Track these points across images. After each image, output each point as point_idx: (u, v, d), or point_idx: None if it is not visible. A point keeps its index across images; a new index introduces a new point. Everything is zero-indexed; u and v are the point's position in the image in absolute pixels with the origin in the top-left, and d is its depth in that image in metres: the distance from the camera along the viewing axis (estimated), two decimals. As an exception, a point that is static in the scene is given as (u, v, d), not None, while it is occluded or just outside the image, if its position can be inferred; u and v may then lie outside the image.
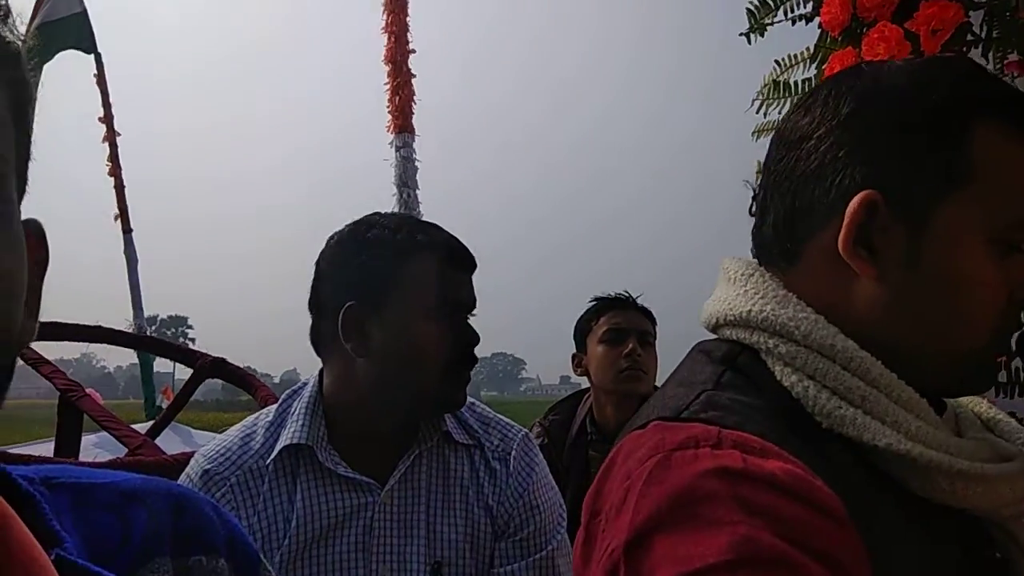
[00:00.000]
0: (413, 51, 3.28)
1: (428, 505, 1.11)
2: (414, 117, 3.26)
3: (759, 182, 0.66)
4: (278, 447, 1.10)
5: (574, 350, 2.07)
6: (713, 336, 0.66)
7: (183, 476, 1.12)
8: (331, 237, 1.16)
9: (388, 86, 3.28)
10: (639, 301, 2.04)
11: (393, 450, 1.11)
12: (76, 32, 4.38)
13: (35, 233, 0.42)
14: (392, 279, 1.08)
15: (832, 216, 0.58)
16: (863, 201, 0.55)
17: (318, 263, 1.15)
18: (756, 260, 0.66)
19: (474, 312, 1.16)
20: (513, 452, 1.17)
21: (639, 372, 1.91)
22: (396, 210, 3.26)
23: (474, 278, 1.17)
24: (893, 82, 0.58)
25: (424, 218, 3.31)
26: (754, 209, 0.66)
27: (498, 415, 1.24)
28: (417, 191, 3.27)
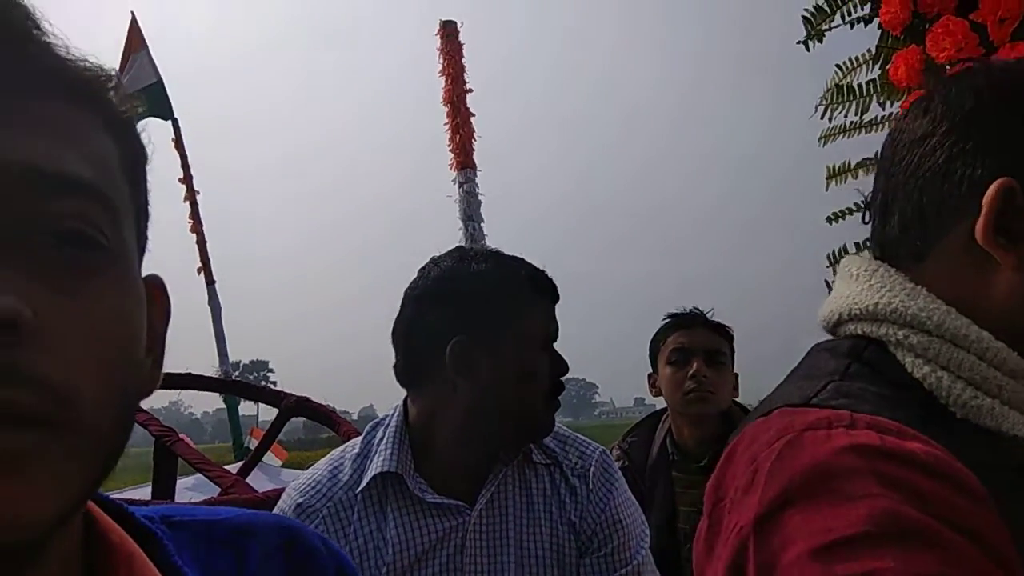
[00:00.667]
0: (470, 90, 3.37)
1: (515, 524, 1.12)
2: (475, 153, 3.35)
3: (876, 185, 0.66)
4: (367, 476, 1.12)
5: (649, 370, 2.04)
6: (830, 337, 0.65)
7: (276, 509, 1.16)
8: (425, 272, 1.18)
9: (448, 126, 3.38)
10: (713, 316, 1.97)
11: (477, 473, 1.13)
12: (154, 101, 4.66)
13: (158, 286, 0.44)
14: (505, 313, 1.12)
15: (965, 209, 0.57)
16: (1000, 189, 0.55)
17: (415, 298, 1.16)
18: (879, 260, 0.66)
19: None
20: (592, 469, 1.17)
21: (705, 393, 1.85)
22: (463, 244, 3.33)
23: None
24: (1012, 75, 0.59)
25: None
26: (869, 214, 0.67)
27: (575, 433, 1.24)
28: (482, 224, 3.33)
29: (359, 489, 1.12)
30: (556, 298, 1.19)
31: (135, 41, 4.82)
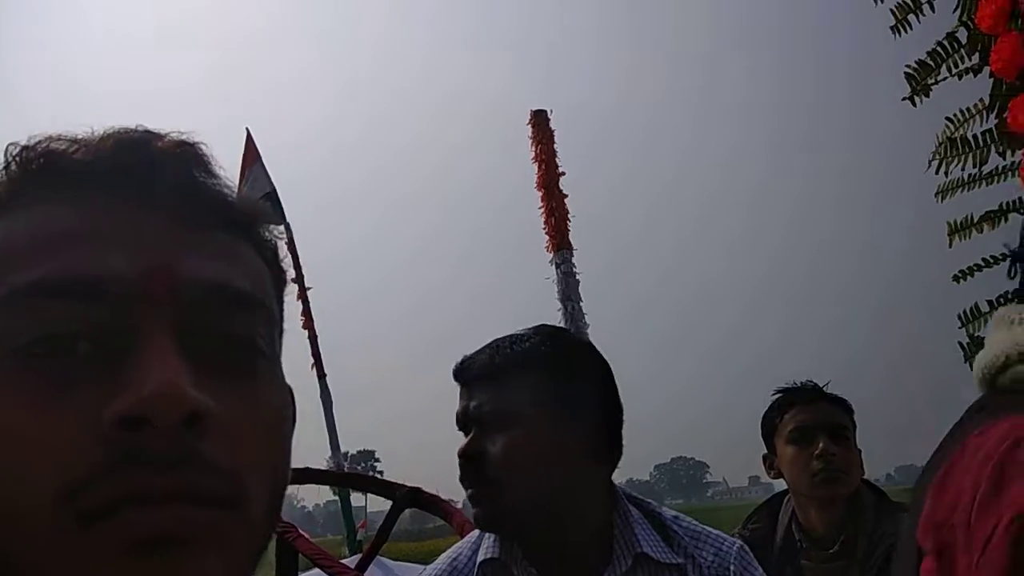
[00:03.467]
0: (563, 173, 3.46)
1: None
2: (571, 234, 3.41)
3: None
4: (475, 564, 1.12)
5: (764, 450, 1.93)
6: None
7: None
8: (571, 344, 1.20)
9: (543, 209, 3.45)
10: (828, 389, 1.86)
11: (590, 567, 1.09)
12: (270, 210, 5.02)
13: (290, 392, 0.48)
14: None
15: None
16: None
17: (560, 369, 1.14)
18: None
19: None
20: (731, 567, 1.11)
21: (835, 474, 1.71)
22: (562, 323, 3.34)
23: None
24: None
25: (591, 328, 3.37)
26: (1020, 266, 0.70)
27: (708, 528, 1.18)
28: (581, 304, 3.34)
29: None
30: (458, 380, 1.18)
31: (250, 155, 5.25)
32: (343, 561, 2.34)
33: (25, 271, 0.37)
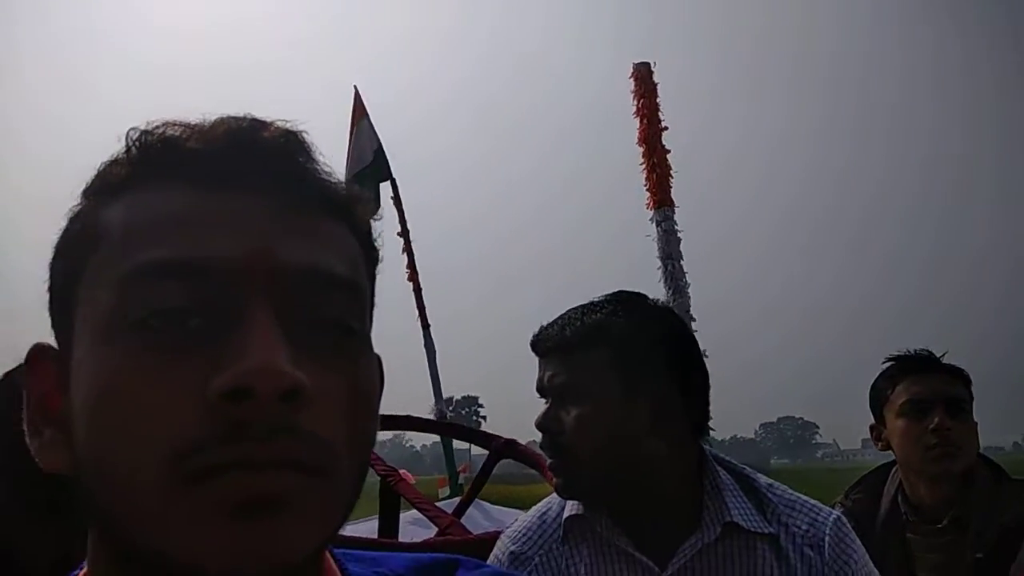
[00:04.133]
0: (665, 128, 3.36)
1: None
2: (672, 190, 3.32)
3: None
4: (562, 520, 1.15)
5: (872, 420, 1.85)
6: None
7: (492, 557, 1.21)
8: (646, 312, 1.17)
9: (644, 165, 3.38)
10: (945, 359, 1.73)
11: (677, 532, 1.09)
12: (376, 164, 5.17)
13: (379, 363, 0.52)
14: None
15: None
16: None
17: (632, 340, 1.13)
18: None
19: None
20: (827, 537, 1.08)
21: (950, 449, 1.62)
22: (662, 283, 3.29)
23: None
24: None
25: (692, 287, 3.30)
26: None
27: (803, 497, 1.16)
28: (682, 262, 3.27)
29: (560, 533, 1.15)
30: (534, 351, 1.19)
31: (358, 111, 5.39)
32: (445, 503, 2.46)
33: (144, 251, 0.40)
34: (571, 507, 1.15)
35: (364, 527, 2.17)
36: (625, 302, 1.17)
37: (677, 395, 1.11)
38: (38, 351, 0.46)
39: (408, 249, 5.09)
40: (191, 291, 0.40)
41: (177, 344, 0.39)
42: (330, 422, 0.41)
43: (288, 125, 0.46)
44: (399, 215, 5.16)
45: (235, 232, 0.41)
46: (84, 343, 0.42)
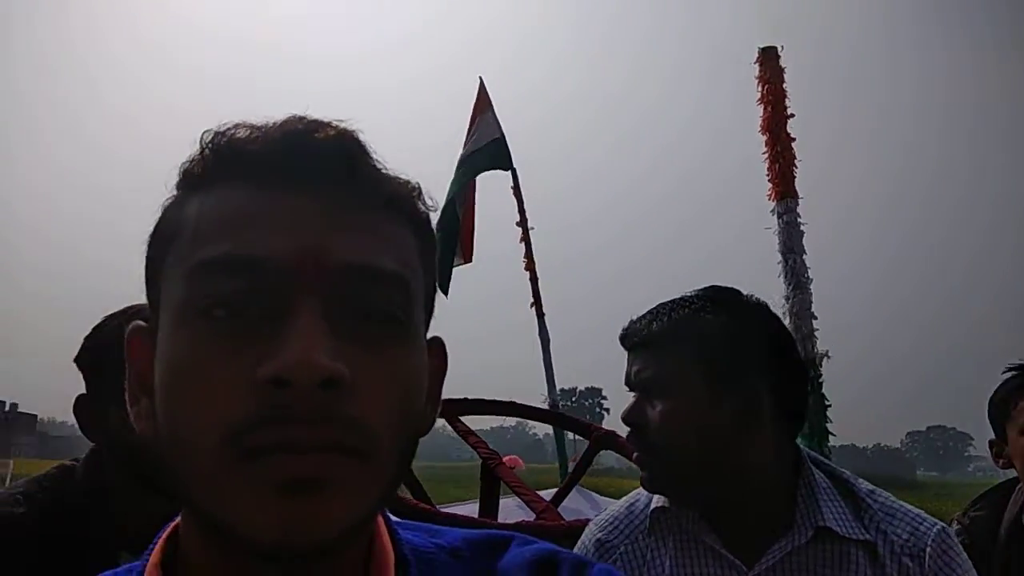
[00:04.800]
0: (791, 115, 3.20)
1: None
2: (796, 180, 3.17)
3: None
4: (649, 512, 1.15)
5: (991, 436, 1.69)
6: None
7: (579, 544, 1.23)
8: (737, 309, 1.14)
9: (767, 154, 3.25)
10: None
11: (768, 533, 1.07)
12: (497, 154, 5.25)
13: (438, 346, 0.56)
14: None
15: None
16: None
17: (719, 337, 1.11)
18: None
19: None
20: (929, 548, 1.03)
21: None
22: (782, 277, 3.16)
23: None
24: None
25: (815, 284, 3.14)
26: None
27: (906, 505, 1.11)
28: (804, 256, 3.12)
29: (647, 525, 1.15)
30: (623, 345, 1.17)
31: (482, 102, 5.49)
32: (547, 492, 2.49)
33: (208, 247, 0.45)
34: (658, 499, 1.15)
35: (468, 508, 2.24)
36: (716, 298, 1.14)
37: (769, 394, 1.08)
38: (136, 328, 0.51)
39: (526, 238, 5.14)
40: (247, 285, 0.44)
41: (235, 332, 0.43)
42: (372, 408, 0.44)
43: (343, 125, 0.48)
44: (518, 205, 5.22)
45: (288, 230, 0.45)
46: (165, 325, 0.47)
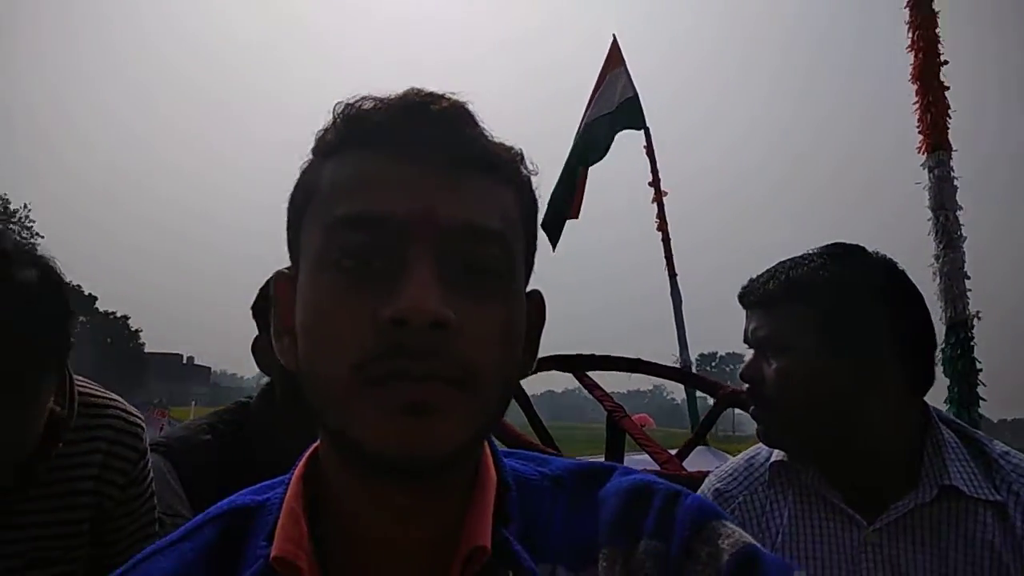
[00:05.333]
0: (945, 62, 2.97)
1: (942, 565, 1.02)
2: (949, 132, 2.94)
3: None
4: (768, 464, 1.17)
5: None
6: None
7: (698, 493, 1.28)
8: (859, 266, 1.11)
9: (918, 104, 3.03)
10: None
11: (891, 490, 1.07)
12: (630, 113, 5.20)
13: (537, 299, 0.62)
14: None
15: None
16: None
17: (838, 295, 1.09)
18: None
19: None
20: None
21: None
22: (932, 235, 2.96)
23: None
24: None
25: (969, 242, 2.92)
26: None
27: None
28: (957, 212, 2.91)
29: (766, 476, 1.18)
30: (741, 303, 1.16)
31: (614, 60, 5.43)
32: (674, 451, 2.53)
33: (339, 206, 0.52)
34: (778, 453, 1.16)
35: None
36: (837, 255, 1.13)
37: (891, 352, 1.07)
38: (279, 274, 0.59)
39: (658, 199, 5.09)
40: (371, 239, 0.51)
41: (361, 280, 0.50)
42: (475, 348, 0.50)
43: (455, 97, 0.54)
44: (651, 165, 5.17)
45: (406, 192, 0.51)
46: (304, 272, 0.54)
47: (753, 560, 0.54)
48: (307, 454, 0.61)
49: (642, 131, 5.23)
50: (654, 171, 5.15)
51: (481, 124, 0.55)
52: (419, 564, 0.55)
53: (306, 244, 0.55)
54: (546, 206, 4.83)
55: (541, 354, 0.65)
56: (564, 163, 5.18)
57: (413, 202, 0.51)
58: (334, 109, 0.55)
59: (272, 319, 0.59)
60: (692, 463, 2.28)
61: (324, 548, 0.56)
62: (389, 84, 0.56)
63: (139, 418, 1.21)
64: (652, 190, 5.13)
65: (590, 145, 5.19)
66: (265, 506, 0.59)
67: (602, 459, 2.29)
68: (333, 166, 0.55)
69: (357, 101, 0.55)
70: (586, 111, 5.26)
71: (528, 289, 0.60)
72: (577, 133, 5.24)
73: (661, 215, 5.05)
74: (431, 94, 0.54)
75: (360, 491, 0.55)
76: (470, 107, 0.55)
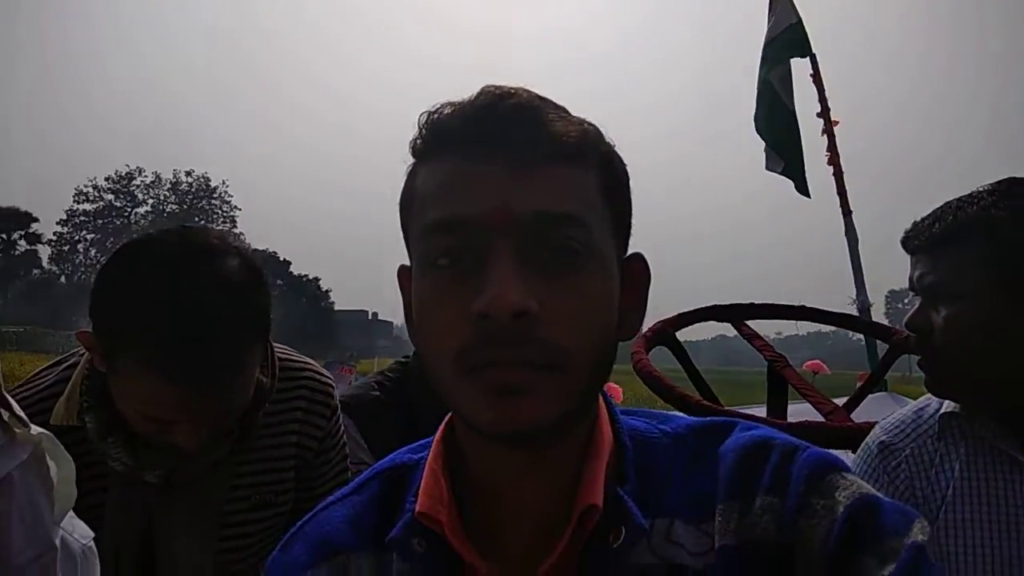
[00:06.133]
0: None
1: None
2: None
3: None
4: (939, 415, 1.12)
5: None
6: None
7: (862, 446, 1.24)
8: None
9: None
10: None
11: None
12: (793, 41, 4.83)
13: (637, 261, 0.65)
14: None
15: None
16: None
17: (1013, 235, 1.03)
18: None
19: None
20: None
21: None
22: None
23: None
24: None
25: None
26: None
27: None
28: None
29: (936, 430, 1.13)
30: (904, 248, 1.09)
31: (776, -12, 5.04)
32: (841, 400, 2.42)
33: (430, 212, 0.58)
34: (949, 404, 1.12)
35: (755, 411, 2.26)
36: (1010, 192, 1.04)
37: None
38: (402, 268, 0.66)
39: (829, 131, 4.72)
40: (458, 240, 0.56)
41: (455, 277, 0.56)
42: (560, 330, 0.55)
43: (524, 90, 0.59)
44: (819, 94, 4.79)
45: (481, 193, 0.56)
46: (413, 271, 0.61)
47: (870, 508, 0.54)
48: (446, 418, 0.68)
49: (807, 59, 4.86)
50: (822, 100, 4.77)
51: (551, 111, 0.59)
52: (540, 519, 0.61)
53: (412, 246, 0.62)
54: (778, 159, 4.67)
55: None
56: (764, 111, 4.90)
57: (488, 201, 0.55)
58: (419, 119, 0.60)
59: (403, 306, 0.66)
60: (869, 410, 2.17)
61: (462, 503, 0.63)
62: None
63: (329, 378, 1.37)
64: (821, 122, 4.76)
65: (781, 55, 4.86)
66: (420, 464, 0.67)
67: (764, 408, 2.23)
68: (423, 173, 0.61)
69: (437, 109, 0.60)
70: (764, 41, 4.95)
71: (629, 253, 0.64)
72: (760, 77, 4.94)
73: (832, 148, 4.69)
74: (500, 93, 0.58)
75: (483, 452, 0.62)
76: (538, 98, 0.59)
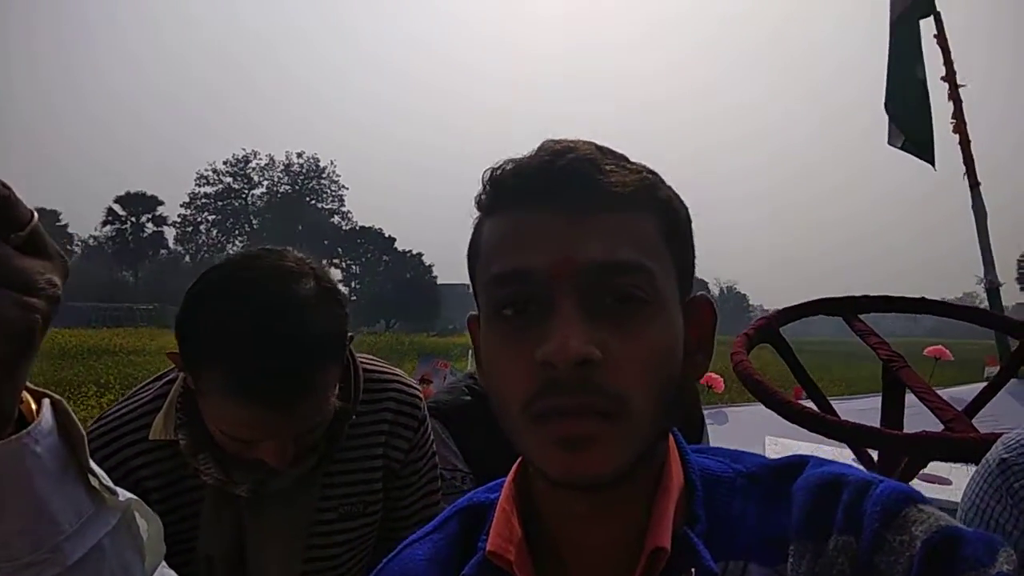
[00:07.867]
0: None
1: None
2: None
3: None
4: None
5: None
6: None
7: (982, 462, 1.15)
8: None
9: None
10: None
11: None
12: (921, 2, 4.49)
13: (702, 302, 0.65)
14: None
15: None
16: None
17: None
18: None
19: None
20: None
21: None
22: None
23: None
24: None
25: None
26: None
27: None
28: None
29: None
30: None
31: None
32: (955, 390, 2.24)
33: (495, 265, 0.59)
34: None
35: (867, 403, 2.12)
36: None
37: None
38: (471, 317, 0.68)
39: (954, 95, 4.37)
40: (522, 290, 0.57)
41: (520, 327, 0.57)
42: (623, 377, 0.55)
43: (584, 143, 0.60)
44: (944, 56, 4.43)
45: (544, 246, 0.57)
46: (481, 319, 0.63)
47: (950, 541, 0.51)
48: (518, 460, 0.69)
49: (931, 17, 4.50)
50: (948, 63, 4.42)
51: (609, 162, 0.59)
52: (608, 561, 0.61)
53: (479, 296, 0.63)
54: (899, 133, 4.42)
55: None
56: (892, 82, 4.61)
57: (551, 254, 0.56)
58: (483, 176, 0.62)
59: (473, 352, 0.68)
60: (1002, 407, 1.98)
61: (532, 543, 0.64)
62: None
63: (417, 389, 1.38)
64: (946, 85, 4.41)
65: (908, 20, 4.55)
66: (494, 504, 0.68)
67: (876, 398, 2.08)
68: (488, 227, 0.62)
69: (499, 165, 0.62)
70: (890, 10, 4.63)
71: (696, 293, 0.64)
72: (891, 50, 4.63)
73: (958, 114, 4.34)
74: (559, 148, 0.59)
75: (552, 495, 0.63)
76: (597, 150, 0.60)
